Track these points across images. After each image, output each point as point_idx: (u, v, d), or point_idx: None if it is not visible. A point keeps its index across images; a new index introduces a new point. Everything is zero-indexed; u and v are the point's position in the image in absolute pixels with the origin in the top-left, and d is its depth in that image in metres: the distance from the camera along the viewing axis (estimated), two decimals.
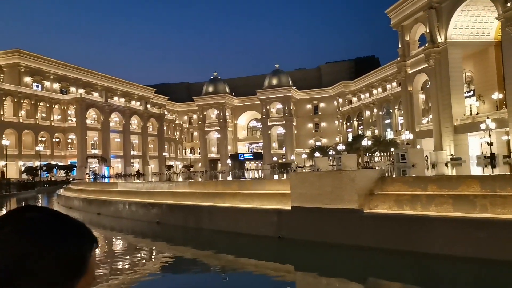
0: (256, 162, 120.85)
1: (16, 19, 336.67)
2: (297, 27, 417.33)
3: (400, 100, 77.77)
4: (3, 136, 69.58)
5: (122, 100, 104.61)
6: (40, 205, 0.82)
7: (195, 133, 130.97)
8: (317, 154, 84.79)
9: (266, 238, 15.01)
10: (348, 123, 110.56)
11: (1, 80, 79.49)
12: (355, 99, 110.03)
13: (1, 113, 72.50)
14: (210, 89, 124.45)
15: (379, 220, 12.34)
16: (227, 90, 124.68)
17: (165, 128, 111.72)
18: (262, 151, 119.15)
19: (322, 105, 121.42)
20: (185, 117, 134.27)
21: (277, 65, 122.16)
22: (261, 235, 15.16)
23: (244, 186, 18.56)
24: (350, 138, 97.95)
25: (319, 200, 13.57)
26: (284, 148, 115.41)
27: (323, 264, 12.40)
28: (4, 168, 65.63)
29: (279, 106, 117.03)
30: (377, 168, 24.93)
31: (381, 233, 12.26)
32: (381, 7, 76.07)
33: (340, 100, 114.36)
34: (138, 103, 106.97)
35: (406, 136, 63.46)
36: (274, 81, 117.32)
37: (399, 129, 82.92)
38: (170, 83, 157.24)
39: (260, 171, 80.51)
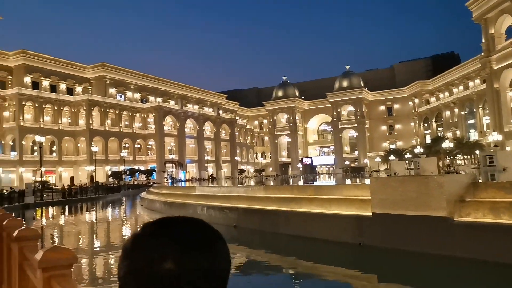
0: (328, 166, 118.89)
1: (102, 35, 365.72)
2: (368, 27, 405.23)
3: (485, 99, 71.91)
4: (92, 143, 75.94)
5: (196, 107, 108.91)
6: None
7: (266, 138, 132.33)
8: (392, 157, 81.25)
9: (345, 245, 14.62)
10: (426, 125, 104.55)
11: (90, 92, 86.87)
12: (433, 99, 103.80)
13: (90, 122, 79.16)
14: (280, 93, 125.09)
15: (472, 230, 11.42)
16: (297, 94, 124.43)
17: (236, 133, 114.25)
18: (334, 155, 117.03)
19: (396, 106, 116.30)
20: (256, 122, 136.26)
21: (347, 67, 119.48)
22: (340, 242, 14.80)
23: (321, 191, 18.28)
24: (428, 140, 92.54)
25: (403, 207, 12.92)
26: (356, 152, 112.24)
27: (407, 274, 11.77)
28: (94, 173, 71.46)
29: (351, 108, 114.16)
30: (461, 172, 23.21)
31: (474, 243, 11.34)
32: (459, 0, 71.19)
33: (416, 101, 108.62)
34: (211, 110, 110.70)
35: (494, 137, 58.47)
36: (345, 83, 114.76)
37: (485, 130, 76.64)
38: (240, 89, 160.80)
39: (332, 176, 79.04)
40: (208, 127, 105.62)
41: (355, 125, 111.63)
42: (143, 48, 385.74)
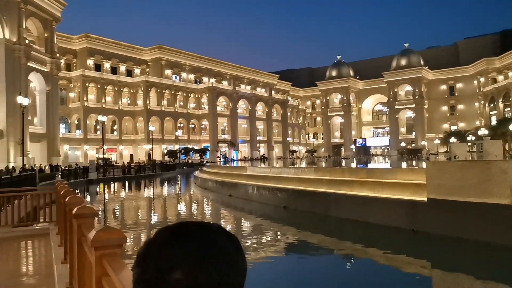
0: (382, 147, 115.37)
1: (158, 17, 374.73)
2: (430, 2, 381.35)
3: None
4: (149, 122, 79.13)
5: (248, 87, 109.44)
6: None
7: (318, 118, 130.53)
8: (452, 139, 77.08)
9: (398, 230, 14.23)
10: (492, 105, 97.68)
11: (147, 73, 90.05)
12: (500, 78, 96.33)
13: (148, 102, 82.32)
14: (334, 73, 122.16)
15: None
16: (351, 73, 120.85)
17: (288, 114, 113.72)
18: (389, 135, 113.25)
19: (459, 85, 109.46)
20: (308, 102, 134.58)
21: (406, 44, 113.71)
22: (392, 227, 14.42)
23: (373, 174, 17.80)
24: (493, 122, 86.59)
25: (461, 193, 12.27)
26: (413, 133, 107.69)
27: (464, 262, 11.26)
28: (151, 151, 74.67)
29: (408, 88, 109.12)
30: None
31: None
32: None
33: (482, 79, 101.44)
34: (263, 90, 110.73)
35: None
36: (403, 62, 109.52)
37: None
38: (293, 69, 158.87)
39: (386, 158, 76.70)
40: (260, 108, 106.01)
41: (413, 105, 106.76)
42: (198, 31, 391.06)
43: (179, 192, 38.55)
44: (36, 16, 58.54)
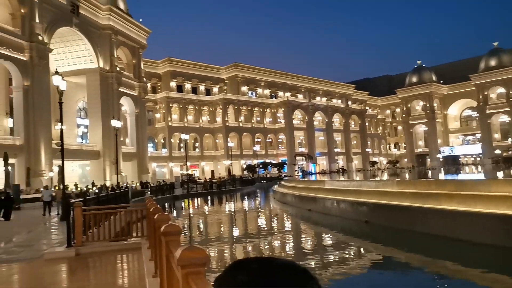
0: (474, 156, 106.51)
1: (233, 35, 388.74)
2: None
3: None
4: (228, 139, 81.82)
5: (324, 99, 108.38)
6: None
7: (399, 127, 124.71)
8: None
9: (496, 248, 12.99)
10: None
11: (225, 91, 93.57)
12: None
13: (226, 119, 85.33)
14: (414, 79, 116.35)
15: None
16: (434, 78, 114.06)
17: (367, 124, 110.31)
18: (480, 143, 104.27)
19: None
20: (388, 111, 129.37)
21: (495, 44, 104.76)
22: (487, 244, 13.21)
23: (464, 187, 16.52)
24: None
25: None
26: (510, 139, 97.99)
27: None
28: (230, 167, 76.94)
29: (501, 90, 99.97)
30: None
31: None
32: None
33: None
34: (339, 101, 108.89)
35: None
36: (493, 62, 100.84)
37: None
38: (370, 77, 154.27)
39: (479, 167, 70.64)
40: (337, 119, 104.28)
41: (507, 108, 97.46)
42: (271, 47, 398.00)
43: (259, 207, 39.09)
44: (125, 45, 64.18)
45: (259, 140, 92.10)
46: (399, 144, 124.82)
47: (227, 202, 44.62)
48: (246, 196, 50.14)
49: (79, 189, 43.98)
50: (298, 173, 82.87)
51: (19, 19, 44.54)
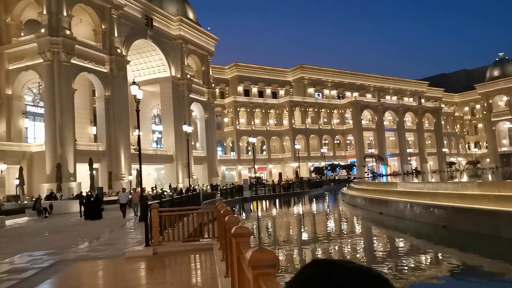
0: None
1: (298, 36, 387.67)
2: None
3: None
4: (295, 141, 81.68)
5: (394, 98, 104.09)
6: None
7: (480, 125, 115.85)
8: None
9: None
10: None
11: (291, 93, 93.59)
12: None
13: (293, 121, 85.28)
14: (496, 72, 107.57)
15: None
16: None
17: (442, 122, 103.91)
18: None
19: None
20: (466, 108, 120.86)
21: None
22: None
23: None
24: None
25: None
26: None
27: None
28: (298, 169, 76.68)
29: None
30: None
31: None
32: None
33: None
34: (411, 99, 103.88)
35: None
36: None
37: None
38: (445, 73, 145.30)
39: None
40: (409, 118, 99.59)
41: None
42: (337, 46, 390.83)
43: (328, 210, 38.51)
44: (195, 53, 66.90)
45: (326, 141, 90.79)
46: (480, 143, 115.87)
47: (295, 205, 44.50)
48: (314, 199, 49.63)
49: (155, 191, 46.56)
50: (368, 175, 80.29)
51: (100, 35, 48.37)
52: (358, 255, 16.19)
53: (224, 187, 53.88)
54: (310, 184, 65.17)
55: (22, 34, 46.74)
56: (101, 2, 47.79)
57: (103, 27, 48.44)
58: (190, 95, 62.94)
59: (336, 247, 17.90)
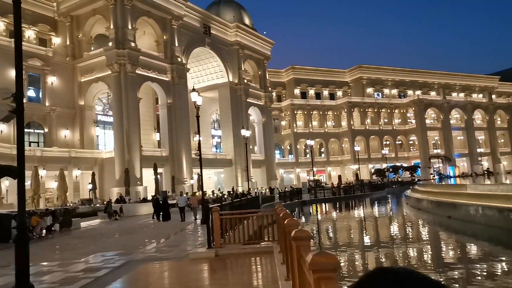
0: None
1: (355, 35, 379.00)
2: None
3: None
4: (355, 143, 79.79)
5: (462, 94, 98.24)
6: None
7: None
8: None
9: None
10: None
11: (349, 94, 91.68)
12: None
13: (351, 123, 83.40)
14: None
15: None
16: None
17: None
18: None
19: None
20: None
21: None
22: None
23: None
24: None
25: None
26: None
27: None
28: (358, 171, 74.79)
29: None
30: None
31: None
32: None
33: None
34: (481, 95, 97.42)
35: None
36: None
37: None
38: None
39: None
40: (478, 116, 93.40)
41: None
42: (396, 43, 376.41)
43: (391, 213, 37.14)
44: (251, 58, 67.85)
45: (387, 142, 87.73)
46: None
47: (355, 208, 43.44)
48: (376, 202, 48.10)
49: (215, 195, 47.73)
50: (433, 176, 76.28)
51: (162, 45, 50.70)
52: (425, 262, 15.46)
53: (283, 190, 53.92)
54: (371, 186, 63.26)
55: (92, 48, 50.20)
56: (162, 14, 50.11)
57: (164, 37, 50.71)
58: (247, 100, 63.87)
59: (401, 253, 17.21)
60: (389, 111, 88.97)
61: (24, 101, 7.85)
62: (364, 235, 24.11)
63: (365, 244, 20.33)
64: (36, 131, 45.76)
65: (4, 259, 13.10)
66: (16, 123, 7.37)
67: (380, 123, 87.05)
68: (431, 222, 26.35)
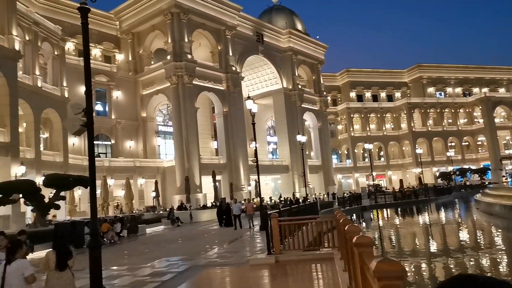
0: None
1: (411, 34, 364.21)
2: None
3: None
4: (416, 145, 76.35)
5: None
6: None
7: None
8: None
9: None
10: None
11: (408, 95, 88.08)
12: None
13: (412, 124, 79.95)
14: None
15: None
16: None
17: None
18: None
19: None
20: None
21: None
22: None
23: None
24: None
25: None
26: None
27: None
28: (421, 175, 71.39)
29: None
30: None
31: None
32: None
33: None
34: None
35: None
36: None
37: None
38: None
39: None
40: None
41: None
42: (457, 39, 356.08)
43: (459, 219, 35.01)
44: (305, 63, 67.59)
45: (452, 144, 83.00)
46: None
47: (420, 213, 41.45)
48: (442, 207, 45.58)
49: (273, 201, 47.84)
50: (506, 179, 70.84)
51: (217, 55, 52.09)
52: (500, 272, 14.37)
53: (341, 196, 52.80)
54: (436, 190, 60.07)
55: (152, 62, 52.74)
56: (217, 25, 51.52)
57: (219, 48, 52.05)
58: (302, 105, 63.58)
59: (472, 261, 16.13)
60: (453, 110, 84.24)
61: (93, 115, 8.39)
62: (430, 242, 22.91)
63: (431, 251, 19.31)
64: (104, 142, 48.77)
65: (79, 263, 14.04)
66: (87, 136, 7.92)
67: (443, 124, 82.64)
68: (505, 228, 24.45)
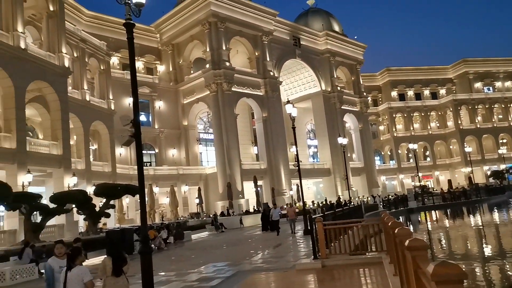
0: None
1: (455, 28, 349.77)
2: None
3: None
4: (465, 143, 73.04)
5: None
6: None
7: None
8: None
9: None
10: None
11: (454, 91, 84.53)
12: None
13: (459, 122, 76.62)
14: None
15: None
16: None
17: None
18: None
19: None
20: None
21: None
22: None
23: None
24: None
25: None
26: None
27: None
28: (471, 174, 68.16)
29: None
30: None
31: None
32: None
33: None
34: None
35: None
36: None
37: None
38: None
39: None
40: None
41: None
42: (504, 30, 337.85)
43: None
44: (343, 64, 66.65)
45: (504, 141, 78.64)
46: None
47: (471, 215, 39.54)
48: (495, 207, 43.24)
49: (315, 205, 47.33)
50: None
51: (254, 61, 52.51)
52: None
53: (386, 198, 51.35)
54: (488, 190, 57.08)
55: (192, 71, 53.96)
56: (253, 32, 51.99)
57: (256, 54, 52.46)
58: (342, 107, 62.66)
59: None
60: (503, 106, 79.98)
61: None
62: (484, 245, 21.80)
63: (486, 255, 18.37)
64: (148, 152, 50.33)
65: (130, 269, 14.51)
66: (135, 146, 8.24)
67: (493, 120, 78.61)
68: None
